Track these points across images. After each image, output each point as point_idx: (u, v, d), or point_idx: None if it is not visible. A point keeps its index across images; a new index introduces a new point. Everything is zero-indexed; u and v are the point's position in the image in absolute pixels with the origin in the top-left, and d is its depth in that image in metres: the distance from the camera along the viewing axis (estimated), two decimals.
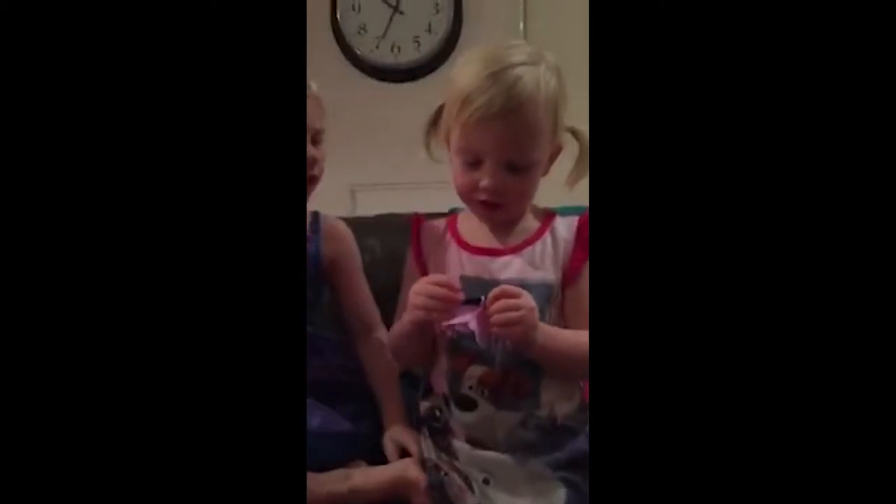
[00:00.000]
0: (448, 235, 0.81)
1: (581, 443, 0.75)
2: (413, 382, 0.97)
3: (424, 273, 0.79)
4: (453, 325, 0.68)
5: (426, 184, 1.54)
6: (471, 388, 0.74)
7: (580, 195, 0.73)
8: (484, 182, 0.72)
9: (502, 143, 0.70)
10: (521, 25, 1.57)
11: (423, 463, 0.79)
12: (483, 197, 0.73)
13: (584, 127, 0.73)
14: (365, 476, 0.77)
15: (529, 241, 0.77)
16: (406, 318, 0.74)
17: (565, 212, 0.82)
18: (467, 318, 0.67)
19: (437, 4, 1.57)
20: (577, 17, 1.48)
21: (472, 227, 0.79)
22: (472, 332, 0.67)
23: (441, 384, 0.77)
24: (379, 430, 0.84)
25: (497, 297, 0.68)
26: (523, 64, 0.70)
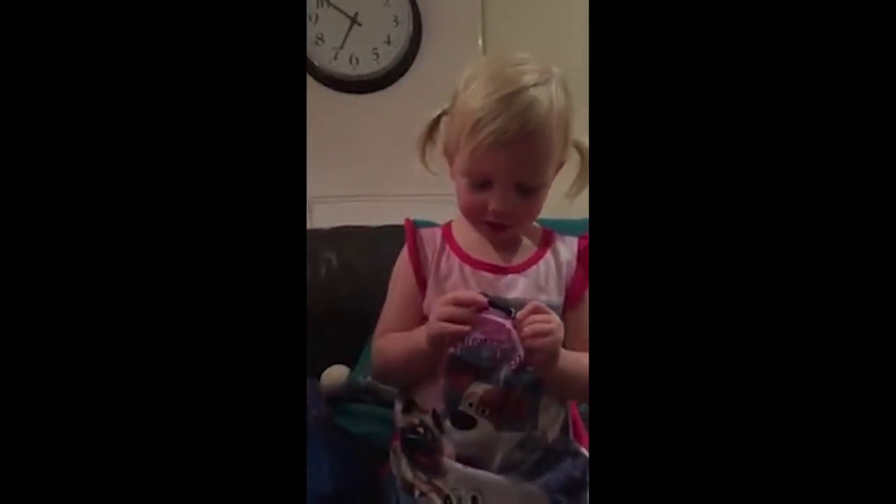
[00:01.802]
0: (447, 246, 0.77)
1: (569, 465, 0.74)
2: (379, 399, 0.94)
3: (422, 282, 0.76)
4: (491, 318, 0.67)
5: (383, 196, 1.52)
6: (471, 405, 0.71)
7: (576, 207, 0.74)
8: (493, 205, 0.70)
9: (514, 168, 0.69)
10: (481, 41, 1.58)
11: (394, 480, 0.76)
12: (491, 219, 0.72)
13: (584, 138, 0.73)
14: None
15: (533, 261, 0.76)
16: (421, 337, 0.71)
17: (562, 225, 0.81)
18: (507, 322, 0.67)
19: (395, 17, 1.56)
20: (536, 31, 1.51)
21: (471, 240, 0.77)
22: (508, 338, 0.67)
23: (433, 400, 0.73)
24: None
25: (532, 312, 0.67)
26: (535, 85, 0.67)
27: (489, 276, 0.74)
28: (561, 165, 0.75)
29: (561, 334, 0.68)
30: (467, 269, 0.75)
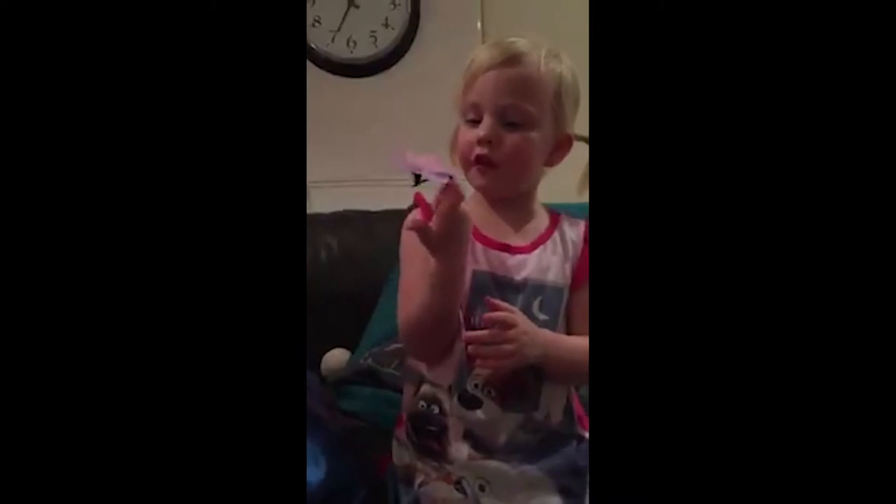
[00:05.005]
0: None
1: (572, 449, 0.75)
2: (380, 381, 0.94)
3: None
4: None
5: (382, 181, 1.52)
6: (476, 386, 0.72)
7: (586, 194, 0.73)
8: (479, 132, 0.73)
9: (497, 91, 0.73)
10: (479, 23, 1.57)
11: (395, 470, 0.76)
12: (478, 150, 0.74)
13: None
14: None
15: (540, 242, 0.77)
16: (428, 262, 0.69)
17: (571, 209, 0.82)
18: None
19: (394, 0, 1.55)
20: (535, 14, 1.50)
21: (480, 219, 0.76)
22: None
23: (447, 376, 0.73)
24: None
25: (492, 322, 0.68)
26: (521, 39, 0.76)
27: (500, 254, 0.75)
28: (566, 142, 0.77)
29: (523, 343, 0.68)
30: (478, 245, 0.75)
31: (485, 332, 0.69)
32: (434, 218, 0.67)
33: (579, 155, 0.78)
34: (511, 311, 0.70)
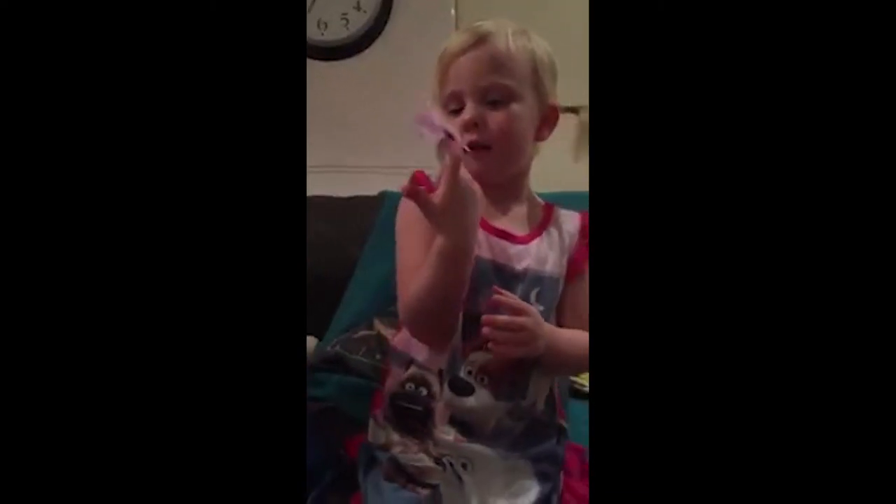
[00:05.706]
0: None
1: (552, 437, 0.76)
2: (347, 368, 0.94)
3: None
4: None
5: (356, 167, 1.51)
6: (470, 373, 0.71)
7: (580, 181, 0.71)
8: (465, 116, 0.73)
9: (473, 72, 0.73)
10: (454, 10, 1.55)
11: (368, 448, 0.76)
12: (467, 137, 0.72)
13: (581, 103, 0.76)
14: None
15: (539, 231, 0.78)
16: (433, 241, 0.66)
17: (564, 199, 0.82)
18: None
19: None
20: None
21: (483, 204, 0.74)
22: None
23: (439, 360, 0.72)
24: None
25: (498, 305, 0.67)
26: (486, 21, 0.77)
27: (500, 241, 0.75)
28: (552, 115, 0.77)
29: (536, 334, 0.68)
30: (481, 231, 0.72)
31: (503, 317, 0.67)
32: (439, 188, 0.63)
33: (568, 125, 0.77)
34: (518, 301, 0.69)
